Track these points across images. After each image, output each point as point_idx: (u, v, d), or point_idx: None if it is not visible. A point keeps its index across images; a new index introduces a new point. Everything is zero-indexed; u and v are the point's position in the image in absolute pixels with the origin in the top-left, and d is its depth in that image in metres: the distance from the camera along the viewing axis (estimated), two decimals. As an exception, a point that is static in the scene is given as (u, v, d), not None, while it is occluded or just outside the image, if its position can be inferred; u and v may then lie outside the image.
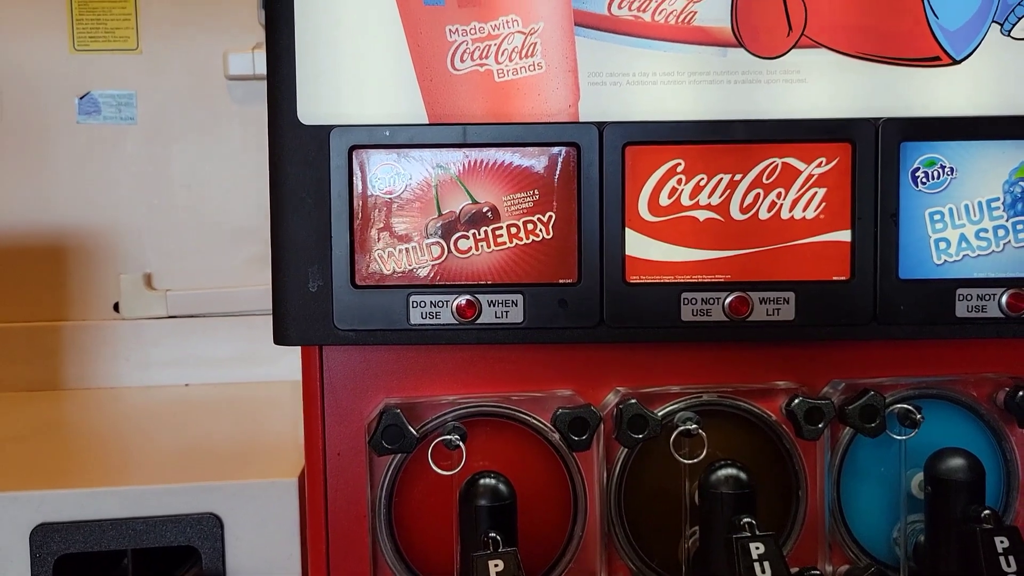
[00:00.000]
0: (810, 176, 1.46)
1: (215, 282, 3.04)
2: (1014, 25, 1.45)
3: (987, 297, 1.47)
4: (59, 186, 3.00)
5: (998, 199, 1.46)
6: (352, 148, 1.46)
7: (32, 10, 2.96)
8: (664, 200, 1.46)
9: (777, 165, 1.46)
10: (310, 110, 1.47)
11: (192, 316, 3.01)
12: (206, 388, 2.89)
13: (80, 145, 3.03)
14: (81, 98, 3.02)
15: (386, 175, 1.46)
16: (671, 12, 1.46)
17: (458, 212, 1.47)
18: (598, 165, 1.46)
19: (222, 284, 3.02)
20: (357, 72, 1.47)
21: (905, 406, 1.53)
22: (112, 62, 3.01)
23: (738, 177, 1.46)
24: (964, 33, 1.45)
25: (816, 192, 1.46)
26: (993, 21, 1.45)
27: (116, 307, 3.05)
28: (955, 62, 1.46)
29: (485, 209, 1.46)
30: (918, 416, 1.52)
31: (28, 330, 2.93)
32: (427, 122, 1.47)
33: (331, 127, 1.46)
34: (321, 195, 1.46)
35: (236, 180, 2.97)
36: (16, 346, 2.91)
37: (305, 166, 1.47)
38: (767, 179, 1.46)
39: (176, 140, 3.02)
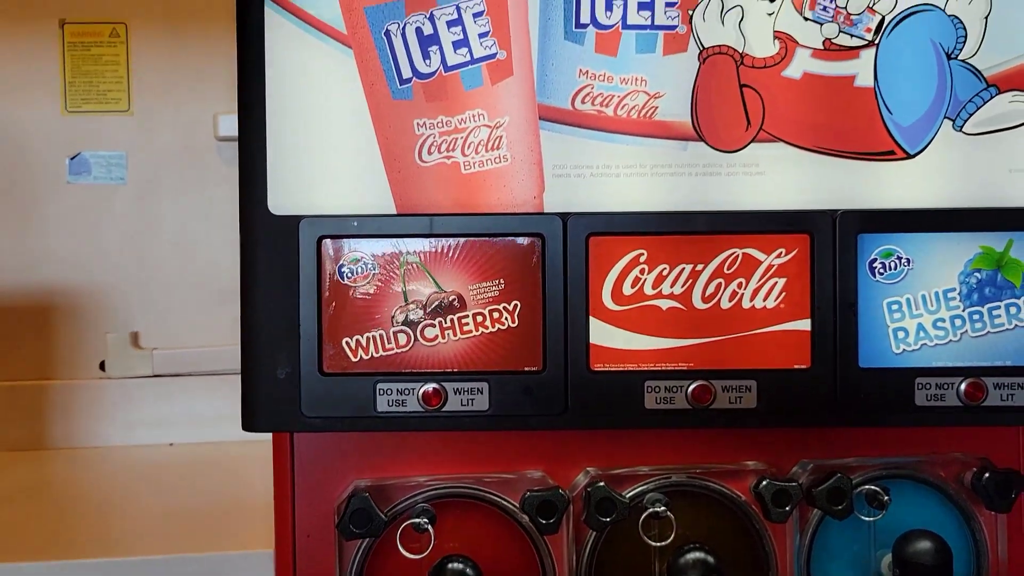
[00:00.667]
0: (770, 266, 1.48)
1: (201, 341, 3.06)
2: (965, 121, 1.49)
3: (945, 386, 1.49)
4: (48, 245, 3.04)
5: (954, 289, 1.48)
6: (321, 238, 1.49)
7: (25, 72, 3.02)
8: (627, 289, 1.49)
9: (738, 256, 1.49)
10: (280, 200, 1.50)
11: (177, 375, 3.03)
12: (190, 447, 2.90)
13: (70, 205, 3.07)
14: (72, 158, 3.06)
15: (354, 265, 1.49)
16: (633, 107, 1.50)
17: (425, 301, 1.49)
18: (563, 255, 1.48)
19: (208, 343, 3.04)
20: (327, 163, 1.50)
21: (872, 487, 1.55)
22: (104, 123, 3.06)
23: (700, 267, 1.49)
24: (917, 129, 1.49)
25: (776, 282, 1.48)
26: (945, 117, 1.49)
27: (102, 366, 3.06)
28: (909, 156, 1.49)
29: (451, 298, 1.49)
30: (885, 498, 1.53)
31: (13, 389, 2.95)
32: (395, 213, 1.50)
33: (300, 217, 1.49)
34: (290, 284, 1.49)
35: (224, 239, 3.00)
36: (1, 406, 2.93)
37: (275, 255, 1.50)
38: (728, 269, 1.49)
39: (165, 199, 3.07)
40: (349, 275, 1.49)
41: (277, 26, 1.50)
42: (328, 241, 1.49)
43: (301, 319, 1.48)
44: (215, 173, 3.08)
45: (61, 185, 3.11)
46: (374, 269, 1.50)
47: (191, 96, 3.08)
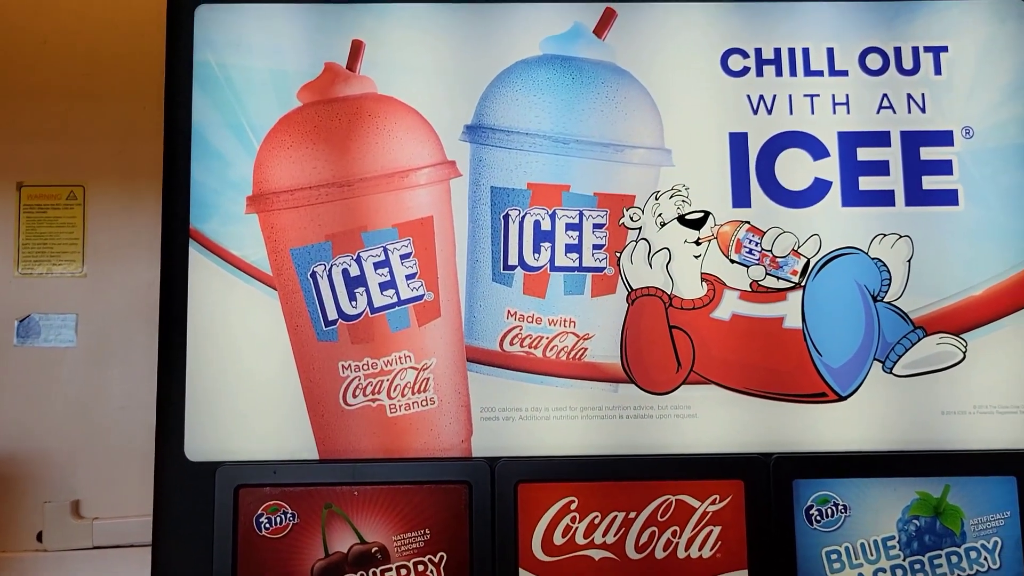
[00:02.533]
0: (705, 513, 1.44)
1: (145, 509, 2.93)
2: (895, 363, 1.48)
3: (891, 642, 1.42)
4: (-10, 411, 2.92)
5: (894, 537, 1.44)
6: (238, 487, 1.43)
7: (-24, 234, 2.98)
8: (558, 539, 1.43)
9: (672, 502, 1.44)
10: (197, 446, 1.45)
11: (119, 547, 2.88)
12: (128, 625, 2.73)
13: (15, 368, 2.98)
14: (21, 321, 3.00)
15: (272, 515, 1.43)
16: (562, 348, 1.48)
17: (346, 552, 1.42)
18: (491, 503, 1.43)
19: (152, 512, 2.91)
20: (248, 407, 1.46)
21: None
22: (55, 285, 3.01)
23: (633, 515, 1.44)
24: (848, 371, 1.48)
25: (712, 530, 1.43)
26: (875, 359, 1.48)
27: (39, 537, 2.91)
28: (841, 398, 1.47)
29: (374, 550, 1.42)
30: None
31: (-59, 566, 2.79)
32: (317, 459, 1.45)
33: (218, 464, 1.44)
34: (204, 534, 1.42)
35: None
36: (-73, 584, 2.76)
37: (190, 503, 1.43)
38: (662, 516, 1.44)
39: (115, 363, 2.99)
40: (267, 526, 1.42)
41: (201, 267, 1.49)
42: (246, 490, 1.43)
43: (215, 573, 1.40)
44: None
45: (8, 348, 3.03)
46: (293, 519, 1.43)
47: (145, 257, 3.05)
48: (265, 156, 1.50)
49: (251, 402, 1.46)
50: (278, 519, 1.43)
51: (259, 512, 1.43)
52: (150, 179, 3.23)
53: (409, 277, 1.49)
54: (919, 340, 1.48)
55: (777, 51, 1.55)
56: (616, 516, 1.44)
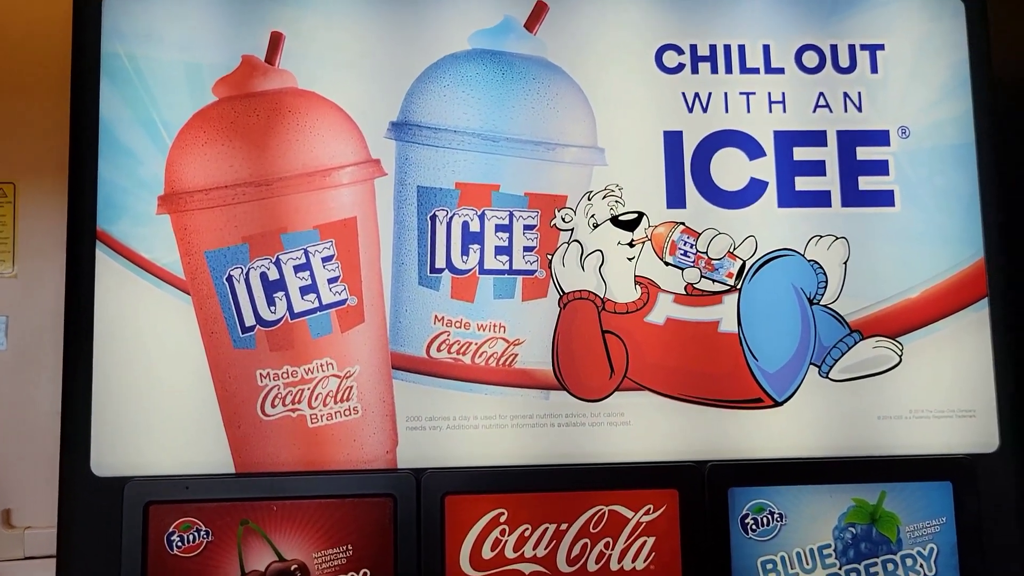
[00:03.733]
0: (638, 524, 1.39)
1: (77, 519, 2.81)
2: (831, 367, 1.45)
3: (826, 653, 1.39)
4: (-88, 418, 2.79)
5: (829, 546, 1.41)
6: (148, 504, 1.35)
7: (-101, 234, 2.84)
8: (487, 553, 1.37)
9: (604, 513, 1.39)
10: (104, 460, 1.36)
11: (51, 556, 2.76)
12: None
13: (-61, 374, 2.84)
14: (-56, 324, 2.86)
15: (185, 532, 1.35)
16: (492, 355, 1.43)
17: (264, 571, 1.35)
18: (416, 517, 1.37)
19: None
20: (160, 418, 1.38)
21: None
22: (-18, 286, 2.88)
23: (564, 527, 1.39)
24: (784, 375, 1.44)
25: (645, 541, 1.39)
26: (811, 363, 1.45)
27: (-35, 549, 2.78)
28: (777, 404, 1.44)
29: (293, 568, 1.35)
30: None
31: None
32: (233, 472, 1.38)
33: (126, 479, 1.36)
34: (112, 553, 1.34)
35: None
36: None
37: (96, 521, 1.35)
38: (594, 528, 1.39)
39: (46, 366, 2.87)
40: (179, 544, 1.35)
41: (109, 270, 1.40)
42: (157, 507, 1.35)
43: (123, 596, 1.33)
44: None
45: (-69, 352, 2.88)
46: (207, 537, 1.36)
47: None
48: (178, 153, 1.42)
49: (162, 413, 1.38)
50: (191, 537, 1.35)
51: (171, 530, 1.35)
52: (60, 174, 3.09)
53: (331, 281, 1.42)
54: (855, 344, 1.45)
55: (713, 48, 1.51)
56: (547, 528, 1.39)
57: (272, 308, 1.41)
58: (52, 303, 3.10)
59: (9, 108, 2.89)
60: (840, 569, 1.41)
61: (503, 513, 1.39)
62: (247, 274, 1.41)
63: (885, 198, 1.49)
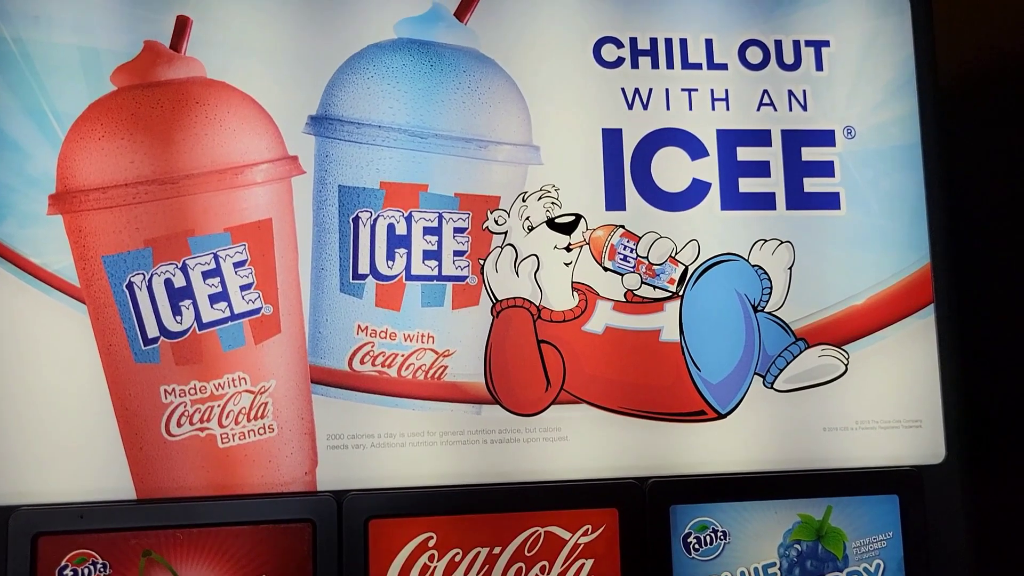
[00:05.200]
0: (576, 546, 1.31)
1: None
2: (776, 377, 1.39)
3: (771, 677, 1.34)
4: None
5: (775, 564, 1.35)
6: (37, 535, 1.22)
7: None
8: (415, 581, 1.28)
9: (540, 535, 1.31)
10: (-13, 488, 1.23)
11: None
12: None
13: None
14: None
15: (79, 566, 1.22)
16: (419, 367, 1.33)
17: (168, 607, 1.24)
18: (337, 544, 1.27)
19: None
20: (50, 439, 1.25)
21: None
22: None
23: (497, 550, 1.30)
24: (727, 386, 1.38)
25: (584, 564, 1.31)
26: (755, 373, 1.39)
27: None
28: (720, 416, 1.38)
29: (201, 602, 1.24)
30: None
31: None
32: (134, 498, 1.26)
33: (12, 508, 1.22)
34: (-4, 592, 1.21)
35: None
36: None
37: (-22, 556, 1.22)
38: (529, 551, 1.31)
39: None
40: (73, 580, 1.22)
41: (-7, 277, 1.27)
42: (46, 539, 1.22)
43: (8, 639, 1.20)
44: None
45: None
46: (105, 570, 1.23)
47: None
48: (72, 148, 1.29)
49: (53, 434, 1.25)
50: (86, 571, 1.23)
51: (63, 563, 1.22)
52: None
53: (244, 288, 1.31)
54: (801, 352, 1.40)
55: (653, 41, 1.43)
56: (479, 552, 1.30)
57: (178, 318, 1.29)
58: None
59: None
60: (785, 588, 1.35)
61: (432, 537, 1.29)
62: (150, 281, 1.29)
63: (831, 201, 1.43)
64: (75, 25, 1.31)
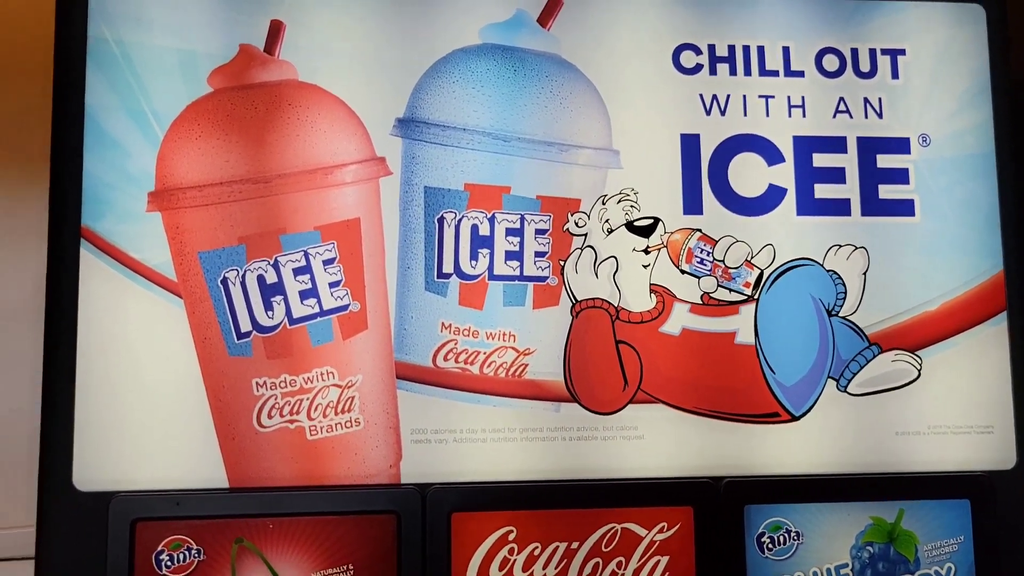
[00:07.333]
0: (652, 543, 1.34)
1: (8, 522, 2.70)
2: (849, 381, 1.41)
3: (843, 676, 1.36)
4: None
5: (847, 565, 1.37)
6: (135, 521, 1.26)
7: None
8: (495, 573, 1.31)
9: (616, 531, 1.34)
10: (88, 475, 1.27)
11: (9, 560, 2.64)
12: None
13: None
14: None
15: (175, 552, 1.27)
16: (500, 365, 1.37)
17: (259, 593, 1.28)
18: (421, 535, 1.30)
19: (14, 524, 2.69)
20: (147, 429, 1.29)
21: None
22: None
23: (575, 545, 1.33)
24: (801, 389, 1.40)
25: (659, 561, 1.34)
26: (829, 377, 1.41)
27: (-81, 554, 2.64)
28: (794, 419, 1.40)
29: (290, 589, 1.28)
30: None
31: None
32: (227, 487, 1.30)
33: (112, 494, 1.27)
34: (96, 574, 1.25)
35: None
36: None
37: (79, 539, 1.26)
38: (606, 547, 1.34)
39: (8, 367, 2.74)
40: (169, 564, 1.27)
41: (94, 270, 1.31)
42: (145, 524, 1.27)
43: (107, 619, 1.24)
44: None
45: None
46: (199, 556, 1.28)
47: (33, 253, 2.80)
48: (170, 147, 1.34)
49: (151, 424, 1.30)
50: (181, 556, 1.27)
51: (159, 548, 1.27)
52: (18, 168, 2.97)
53: (333, 285, 1.35)
54: (874, 357, 1.41)
55: (732, 48, 1.46)
56: (558, 547, 1.33)
57: (270, 313, 1.33)
58: (3, 301, 2.95)
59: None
60: (857, 589, 1.37)
61: (512, 531, 1.33)
62: (243, 277, 1.33)
63: (905, 207, 1.45)
64: (174, 28, 1.36)
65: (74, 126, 1.33)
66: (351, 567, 1.30)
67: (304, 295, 1.34)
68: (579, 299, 1.39)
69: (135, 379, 1.30)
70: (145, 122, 1.34)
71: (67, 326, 1.31)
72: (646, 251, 1.40)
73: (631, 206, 1.41)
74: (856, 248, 1.44)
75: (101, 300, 1.31)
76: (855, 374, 1.41)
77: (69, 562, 1.27)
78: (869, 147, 1.46)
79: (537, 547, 1.33)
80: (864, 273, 1.43)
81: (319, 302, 1.34)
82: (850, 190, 1.45)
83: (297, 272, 1.34)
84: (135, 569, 1.26)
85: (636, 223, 1.41)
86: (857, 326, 1.42)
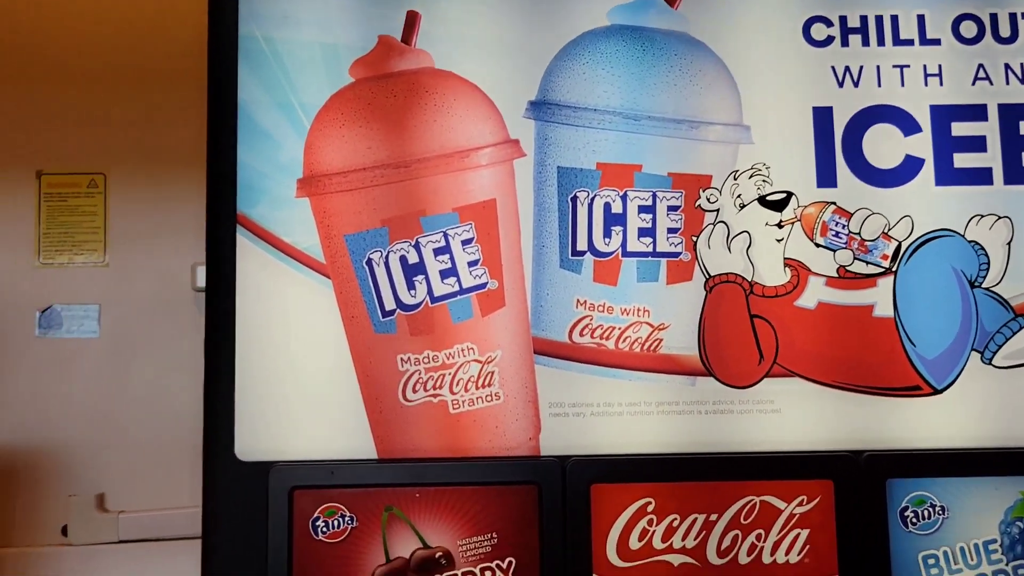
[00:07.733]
0: (792, 516, 1.34)
1: (171, 503, 2.87)
2: (994, 353, 1.38)
3: (993, 653, 1.33)
4: (12, 402, 2.86)
5: (995, 540, 1.34)
6: (293, 489, 1.34)
7: (-1, 222, 2.90)
8: (634, 543, 1.34)
9: (755, 504, 1.35)
10: (249, 446, 1.36)
11: (146, 540, 2.82)
12: (160, 620, 2.67)
13: (38, 360, 2.90)
14: (42, 312, 2.92)
15: (330, 519, 1.34)
16: (636, 340, 1.39)
17: (408, 558, 1.34)
18: (561, 505, 1.34)
19: (179, 505, 2.85)
20: (302, 403, 1.37)
21: None
22: (77, 274, 2.93)
23: (714, 517, 1.35)
24: (943, 362, 1.38)
25: (799, 534, 1.34)
26: (972, 349, 1.38)
27: (64, 531, 2.85)
28: (937, 392, 1.38)
29: (438, 555, 1.34)
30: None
31: (-36, 557, 2.72)
32: (376, 458, 1.36)
33: (271, 464, 1.35)
34: (257, 539, 1.33)
35: (198, 394, 2.85)
36: (-49, 577, 2.70)
37: (241, 506, 1.35)
38: (745, 519, 1.34)
39: (138, 354, 2.91)
40: (324, 530, 1.34)
41: (249, 254, 1.39)
42: (301, 492, 1.34)
43: (270, 578, 1.32)
44: (193, 323, 2.93)
45: (30, 339, 2.95)
46: (352, 523, 1.34)
47: (169, 246, 2.97)
48: (316, 136, 1.41)
49: (304, 398, 1.37)
50: (336, 523, 1.34)
51: (315, 515, 1.34)
52: (173, 165, 3.13)
53: (471, 264, 1.39)
54: (1021, 329, 1.38)
55: (864, 19, 1.44)
56: (696, 519, 1.35)
57: (412, 292, 1.39)
58: (144, 291, 3.14)
59: (99, 99, 2.91)
60: (1007, 566, 1.34)
61: (650, 503, 1.35)
62: (387, 257, 1.39)
63: (1051, 175, 1.41)
64: (318, 24, 1.43)
65: (229, 120, 1.42)
66: (494, 535, 1.34)
67: (444, 274, 1.39)
68: (712, 274, 1.40)
69: (289, 356, 1.38)
70: (293, 113, 1.41)
71: (226, 307, 1.40)
72: (779, 225, 1.40)
73: (763, 181, 1.41)
74: (999, 218, 1.40)
75: (257, 282, 1.39)
76: (1000, 346, 1.38)
77: (233, 526, 1.35)
78: (1011, 114, 1.42)
79: (676, 519, 1.35)
80: (1008, 243, 1.39)
81: (459, 280, 1.39)
82: (992, 158, 1.41)
83: (437, 252, 1.39)
84: (293, 533, 1.34)
85: (768, 197, 1.40)
86: (1002, 297, 1.39)
